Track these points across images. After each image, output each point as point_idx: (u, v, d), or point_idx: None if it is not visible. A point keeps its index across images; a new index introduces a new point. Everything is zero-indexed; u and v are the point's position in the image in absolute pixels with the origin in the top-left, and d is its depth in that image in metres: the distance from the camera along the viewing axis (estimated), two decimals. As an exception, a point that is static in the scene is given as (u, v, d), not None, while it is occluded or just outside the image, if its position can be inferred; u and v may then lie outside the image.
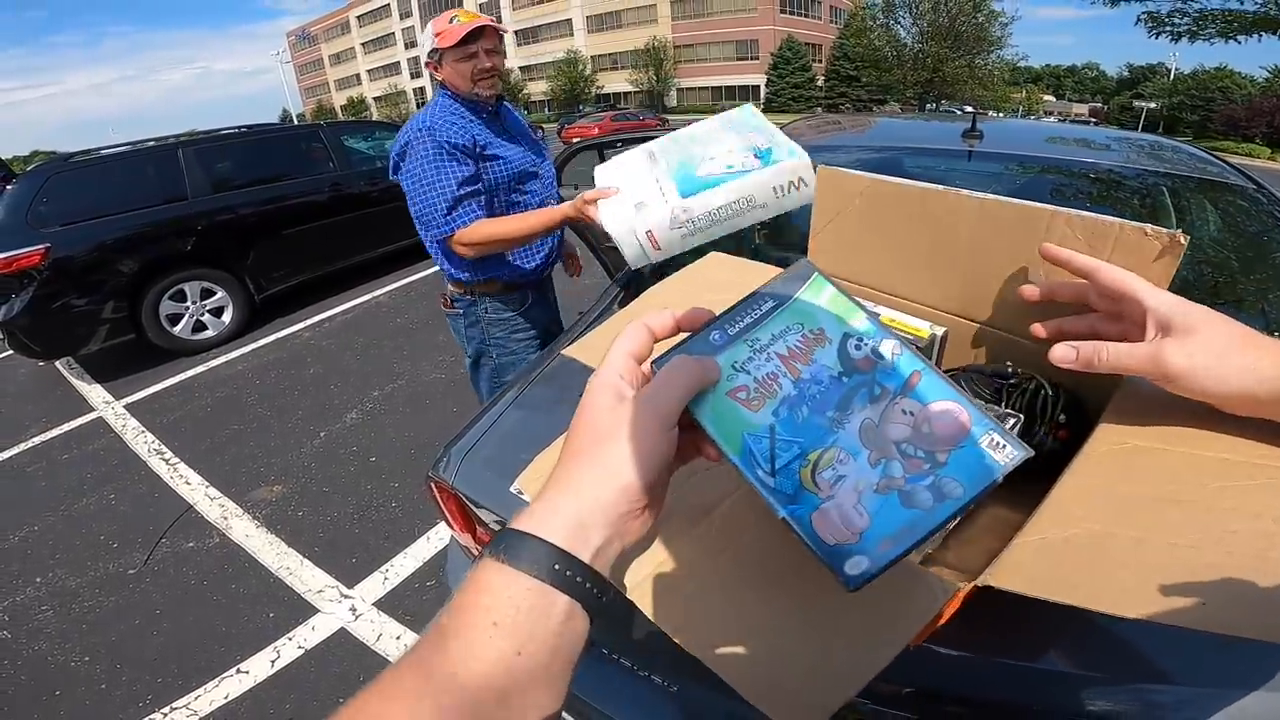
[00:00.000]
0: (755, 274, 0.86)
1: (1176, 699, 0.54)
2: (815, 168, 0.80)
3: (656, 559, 0.51)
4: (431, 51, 1.43)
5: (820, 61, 44.97)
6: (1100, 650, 0.56)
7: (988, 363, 0.67)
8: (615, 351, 0.35)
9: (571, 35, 50.76)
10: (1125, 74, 67.98)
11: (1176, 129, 41.77)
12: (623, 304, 1.21)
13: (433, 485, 0.89)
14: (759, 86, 44.44)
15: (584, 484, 0.30)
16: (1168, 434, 0.47)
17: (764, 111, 1.03)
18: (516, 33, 53.46)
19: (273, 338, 4.02)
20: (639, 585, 0.49)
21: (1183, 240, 0.50)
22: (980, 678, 0.58)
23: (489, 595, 0.26)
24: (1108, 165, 1.48)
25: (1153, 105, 45.13)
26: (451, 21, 1.39)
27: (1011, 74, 47.95)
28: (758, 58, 44.34)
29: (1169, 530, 0.39)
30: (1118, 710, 0.55)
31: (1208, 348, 0.42)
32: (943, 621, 0.43)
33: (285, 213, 4.31)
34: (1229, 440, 0.44)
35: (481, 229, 1.40)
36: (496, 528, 0.81)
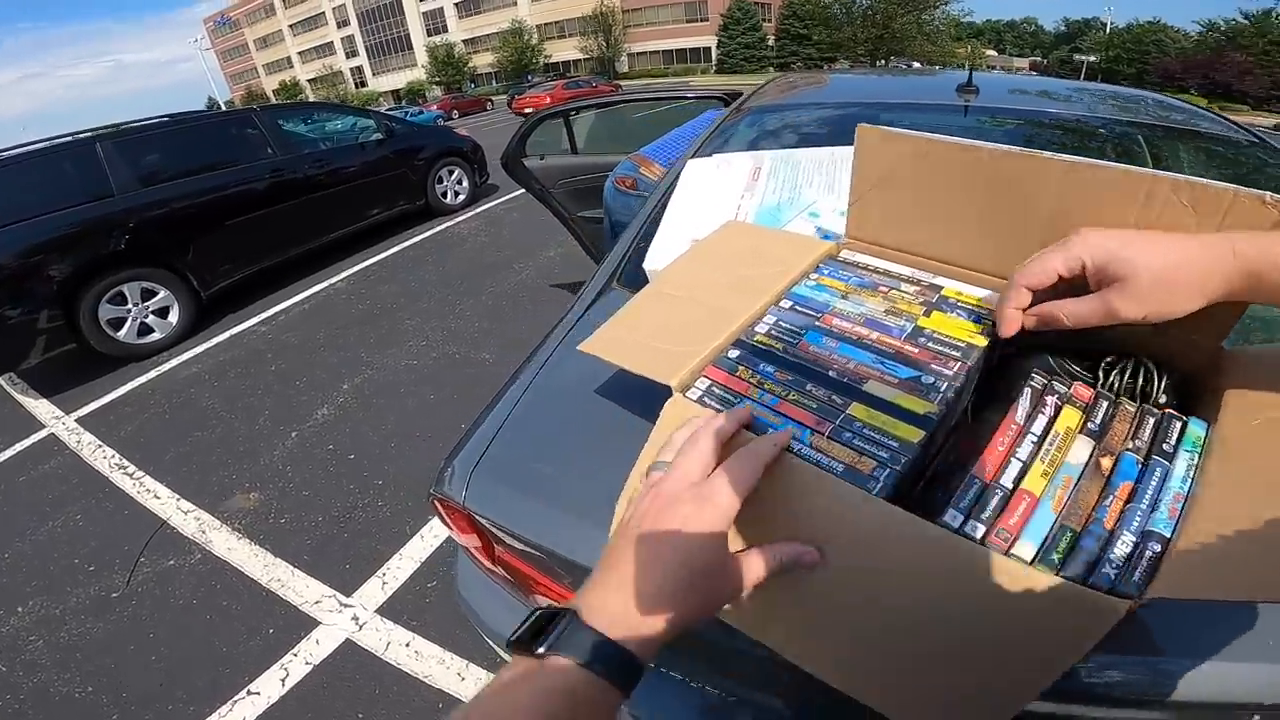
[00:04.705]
0: (779, 242, 0.79)
1: (1180, 668, 0.49)
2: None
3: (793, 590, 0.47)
4: None
5: (770, 21, 44.45)
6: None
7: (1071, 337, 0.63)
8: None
9: (515, 4, 48.89)
10: (1063, 28, 69.40)
11: (1115, 82, 43.03)
12: (626, 283, 1.11)
13: (437, 503, 0.79)
14: (710, 48, 43.75)
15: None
16: None
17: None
18: (457, 5, 51.24)
19: (226, 335, 3.78)
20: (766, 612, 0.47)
21: None
22: None
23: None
24: (1148, 123, 1.35)
25: (1092, 59, 46.34)
26: None
27: (956, 29, 48.45)
28: (707, 19, 43.55)
29: None
30: (1122, 682, 0.51)
31: (1149, 287, 0.42)
32: None
33: (223, 203, 4.04)
34: None
35: None
36: (520, 547, 0.72)
